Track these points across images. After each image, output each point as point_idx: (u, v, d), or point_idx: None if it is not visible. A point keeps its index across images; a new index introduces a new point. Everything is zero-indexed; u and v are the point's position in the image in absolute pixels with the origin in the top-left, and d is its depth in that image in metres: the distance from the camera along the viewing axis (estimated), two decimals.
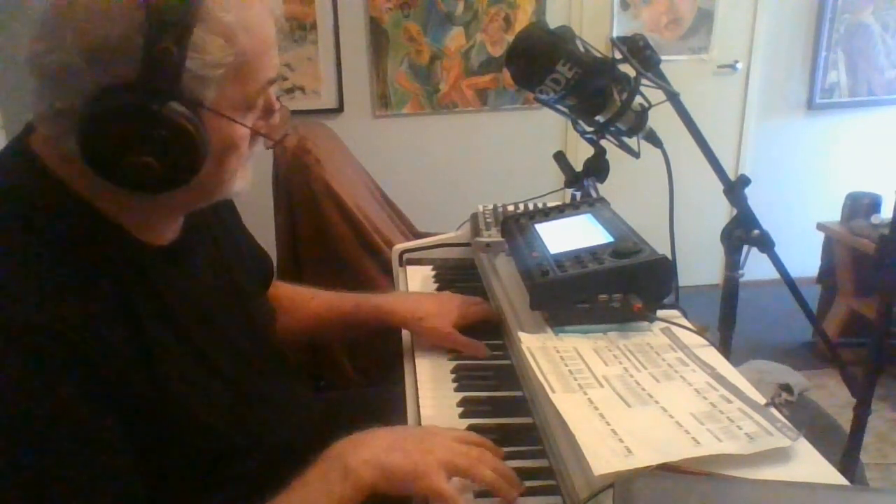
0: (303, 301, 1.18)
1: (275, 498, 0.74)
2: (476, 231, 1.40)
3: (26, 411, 0.61)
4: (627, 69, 1.10)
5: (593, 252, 0.99)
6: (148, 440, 0.69)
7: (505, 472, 0.77)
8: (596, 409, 0.74)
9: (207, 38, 0.65)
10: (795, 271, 1.12)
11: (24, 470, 0.61)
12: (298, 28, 3.09)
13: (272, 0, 0.73)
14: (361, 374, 2.11)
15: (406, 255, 1.52)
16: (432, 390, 1.02)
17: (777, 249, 1.07)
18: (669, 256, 1.00)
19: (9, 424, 0.61)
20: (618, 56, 1.10)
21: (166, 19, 0.63)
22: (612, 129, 1.16)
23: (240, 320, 0.89)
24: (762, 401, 0.75)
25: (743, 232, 1.07)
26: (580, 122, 1.21)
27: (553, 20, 2.97)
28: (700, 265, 2.89)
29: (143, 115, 0.64)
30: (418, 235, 2.38)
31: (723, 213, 2.23)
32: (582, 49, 1.11)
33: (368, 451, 0.77)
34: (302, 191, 2.03)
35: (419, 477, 0.75)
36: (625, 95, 1.11)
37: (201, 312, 0.81)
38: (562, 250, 1.03)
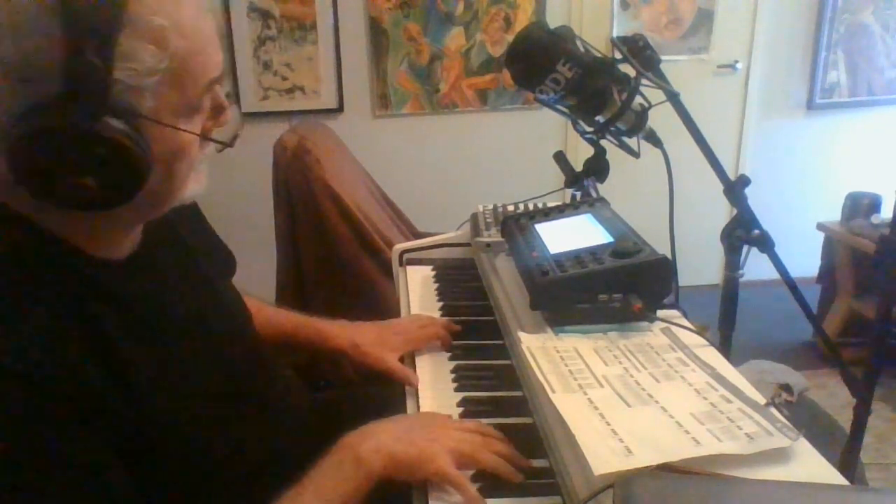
0: (254, 313, 1.13)
1: (289, 490, 0.75)
2: (476, 231, 1.40)
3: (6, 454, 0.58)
4: (627, 69, 1.10)
5: (593, 252, 0.99)
6: (135, 458, 0.68)
7: (508, 455, 0.81)
8: (596, 409, 0.74)
9: (136, 45, 0.61)
10: (795, 271, 1.12)
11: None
12: (298, 28, 3.09)
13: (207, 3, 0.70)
14: (361, 374, 2.11)
15: (406, 255, 1.52)
16: (432, 390, 1.02)
17: (777, 249, 1.07)
18: (669, 256, 1.00)
19: None
20: (618, 56, 1.10)
21: (87, 28, 0.58)
22: (612, 129, 1.16)
23: (214, 315, 0.87)
24: (762, 401, 0.75)
25: (743, 232, 1.07)
26: (580, 122, 1.21)
27: (553, 20, 2.98)
28: (700, 265, 2.89)
29: (73, 134, 0.60)
30: (418, 235, 2.38)
31: (723, 213, 2.23)
32: (582, 49, 1.11)
33: (377, 441, 0.80)
34: (302, 191, 2.03)
35: (425, 462, 0.78)
36: (625, 95, 1.11)
37: (175, 320, 0.78)
38: (562, 250, 1.03)
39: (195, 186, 0.75)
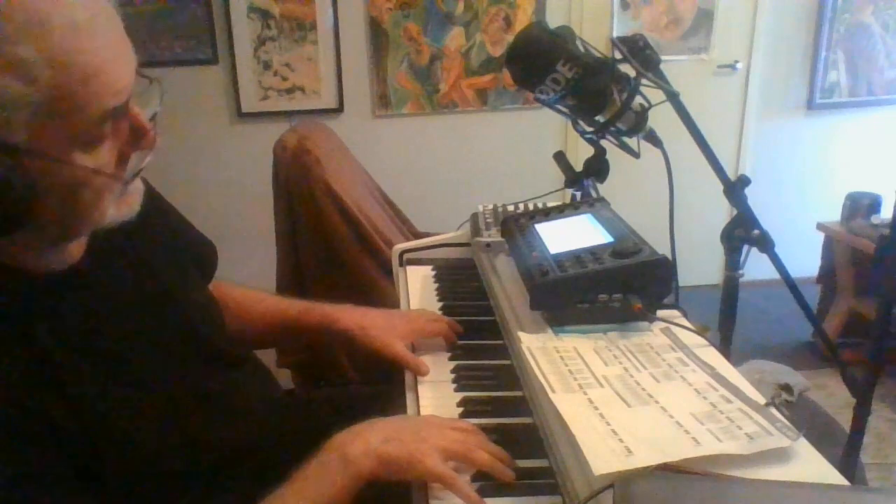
0: (250, 304, 1.15)
1: (275, 491, 0.75)
2: (476, 231, 1.40)
3: None
4: (627, 69, 1.10)
5: (593, 252, 0.99)
6: (91, 472, 0.67)
7: (499, 454, 0.81)
8: (596, 409, 0.74)
9: None
10: (795, 271, 1.12)
11: None
12: (298, 28, 3.09)
13: (105, 10, 0.64)
14: (361, 374, 2.11)
15: (406, 255, 1.52)
16: (432, 390, 1.02)
17: (777, 249, 1.07)
18: (669, 256, 1.00)
19: None
20: (618, 56, 1.10)
21: None
22: (612, 129, 1.16)
23: (171, 323, 0.85)
24: (762, 401, 0.75)
25: (743, 232, 1.07)
26: (580, 122, 1.21)
27: (553, 20, 2.98)
28: (700, 265, 2.89)
29: None
30: (418, 235, 2.38)
31: (723, 213, 2.23)
32: (582, 49, 1.11)
33: (366, 442, 0.79)
34: (302, 191, 2.03)
35: (416, 463, 0.78)
36: (625, 95, 1.11)
37: (118, 327, 0.77)
38: (562, 250, 1.03)
39: (121, 211, 0.72)
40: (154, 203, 0.87)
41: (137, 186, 0.74)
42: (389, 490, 0.81)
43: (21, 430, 0.62)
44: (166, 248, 0.92)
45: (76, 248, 0.76)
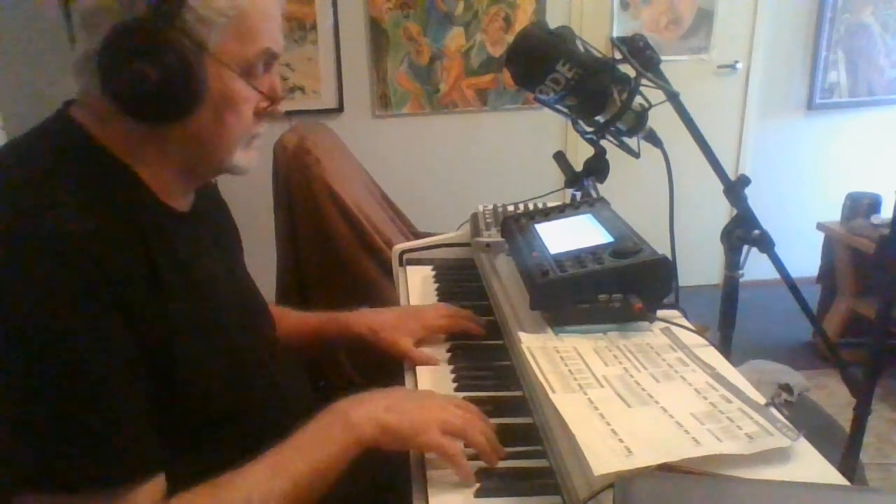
0: (279, 318, 1.16)
1: (276, 446, 0.78)
2: (476, 231, 1.40)
3: (52, 313, 0.65)
4: (627, 69, 1.10)
5: (593, 252, 0.99)
6: (155, 378, 0.72)
7: (492, 440, 0.83)
8: (596, 409, 0.74)
9: None
10: (795, 271, 1.12)
11: (47, 371, 0.65)
12: (298, 28, 3.10)
13: None
14: (361, 374, 2.11)
15: (406, 255, 1.52)
16: (432, 390, 1.02)
17: (777, 249, 1.07)
18: (669, 256, 1.00)
19: (35, 324, 0.64)
20: (618, 56, 1.10)
21: None
22: (612, 129, 1.16)
23: (239, 298, 0.92)
24: (762, 401, 0.75)
25: (743, 232, 1.07)
26: (580, 122, 1.21)
27: (553, 20, 2.98)
28: (700, 265, 2.89)
29: (146, 31, 0.71)
30: (418, 235, 2.38)
31: (723, 213, 2.23)
32: (582, 49, 1.11)
33: (369, 409, 0.83)
34: (302, 191, 2.03)
35: (417, 434, 0.81)
36: (625, 95, 1.11)
37: (208, 276, 0.84)
38: (562, 250, 1.03)
39: (243, 159, 0.84)
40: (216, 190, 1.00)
41: (256, 148, 0.86)
42: (388, 461, 0.84)
43: (120, 307, 0.69)
44: (229, 228, 1.03)
45: (189, 196, 0.87)
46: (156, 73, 0.71)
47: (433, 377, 1.05)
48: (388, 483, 0.92)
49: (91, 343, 0.67)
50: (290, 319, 1.18)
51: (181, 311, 0.76)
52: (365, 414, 0.82)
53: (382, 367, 1.11)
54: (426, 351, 1.09)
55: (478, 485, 0.79)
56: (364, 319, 1.15)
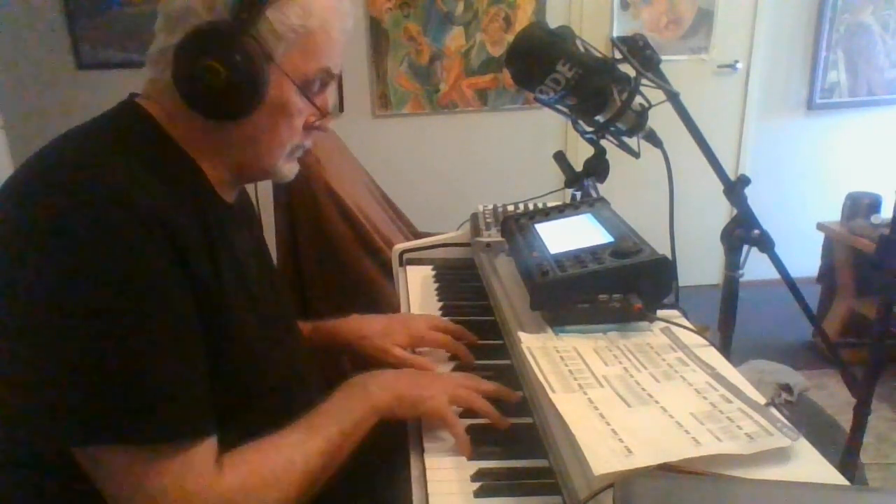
0: None
1: (305, 416, 0.85)
2: (476, 231, 1.40)
3: (133, 278, 0.69)
4: (627, 69, 1.10)
5: (593, 252, 0.99)
6: (208, 347, 0.77)
7: (496, 394, 0.93)
8: (596, 409, 0.74)
9: (289, 3, 0.79)
10: (795, 271, 1.12)
11: (122, 329, 0.69)
12: None
13: (348, 17, 0.85)
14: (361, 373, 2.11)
15: (406, 255, 1.52)
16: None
17: (777, 249, 1.07)
18: (669, 256, 1.00)
19: (117, 287, 0.69)
20: (618, 56, 1.10)
21: None
22: (612, 129, 1.16)
23: (268, 279, 0.98)
24: (762, 401, 0.75)
25: (743, 232, 1.07)
26: (580, 122, 1.21)
27: (553, 20, 2.98)
28: (700, 265, 2.89)
29: (221, 32, 0.76)
30: (418, 235, 2.38)
31: (723, 213, 2.24)
32: (582, 49, 1.11)
33: (383, 380, 0.92)
34: (302, 191, 2.03)
35: (426, 399, 0.89)
36: (625, 95, 1.11)
37: (246, 259, 0.90)
38: (562, 250, 1.03)
39: (287, 167, 0.90)
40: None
41: (297, 159, 0.92)
42: (388, 461, 0.91)
43: (188, 282, 0.74)
44: (254, 216, 1.08)
45: (235, 191, 0.93)
46: (224, 71, 0.76)
47: None
48: (389, 483, 0.92)
49: (160, 302, 0.71)
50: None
51: (231, 290, 0.81)
52: (382, 384, 0.91)
53: (382, 367, 1.11)
54: (419, 359, 1.09)
55: (478, 485, 0.79)
56: (352, 327, 1.16)
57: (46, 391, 0.69)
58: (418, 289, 1.39)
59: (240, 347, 0.82)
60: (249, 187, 1.05)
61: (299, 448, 0.82)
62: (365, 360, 1.12)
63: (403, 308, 1.34)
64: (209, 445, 0.75)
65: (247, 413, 0.83)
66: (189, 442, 0.73)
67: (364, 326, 1.15)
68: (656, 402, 0.75)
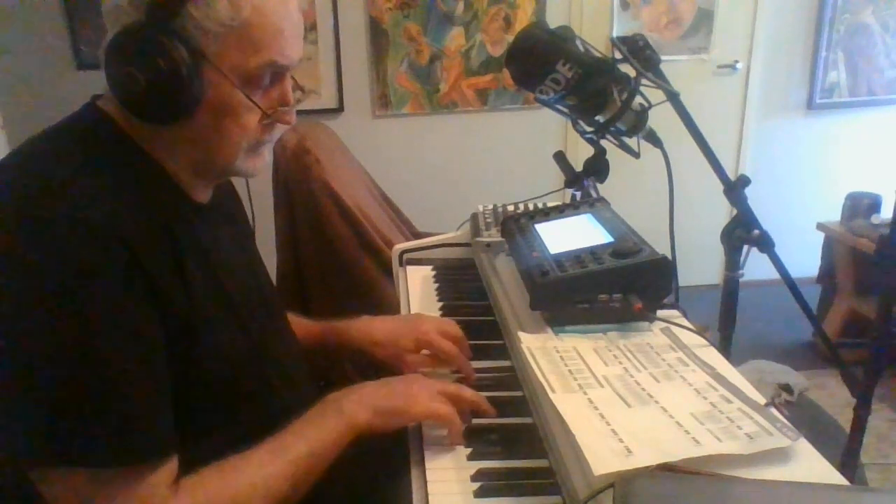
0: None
1: (276, 434, 0.82)
2: (476, 231, 1.40)
3: (83, 294, 0.67)
4: (627, 69, 1.10)
5: (593, 252, 0.99)
6: (177, 362, 0.75)
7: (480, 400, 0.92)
8: (596, 409, 0.74)
9: None
10: (795, 271, 1.12)
11: (74, 350, 0.67)
12: None
13: (289, 3, 0.79)
14: (361, 375, 2.11)
15: (406, 255, 1.52)
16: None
17: (777, 249, 1.07)
18: (669, 256, 1.00)
19: (66, 306, 0.66)
20: (618, 56, 1.10)
21: None
22: (612, 128, 1.16)
23: (253, 284, 0.95)
24: (762, 401, 0.75)
25: (743, 232, 1.07)
26: (580, 122, 1.21)
27: (553, 20, 2.98)
28: (700, 265, 2.89)
29: (142, 36, 0.72)
30: (418, 235, 2.38)
31: (723, 213, 2.23)
32: (582, 49, 1.11)
33: (359, 395, 0.88)
34: (302, 191, 2.03)
35: (409, 407, 0.87)
36: (625, 95, 1.11)
37: (226, 265, 0.87)
38: (562, 250, 1.03)
39: (249, 163, 0.84)
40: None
41: (265, 154, 0.87)
42: (388, 461, 0.89)
43: (143, 287, 0.72)
44: (243, 220, 1.06)
45: (207, 190, 0.90)
46: (144, 76, 0.73)
47: (433, 377, 1.05)
48: (389, 483, 0.92)
49: (120, 323, 0.69)
50: (294, 325, 1.17)
51: (202, 296, 0.79)
52: (356, 400, 0.87)
53: (383, 368, 1.11)
54: (429, 361, 1.08)
55: (478, 485, 0.79)
56: (361, 329, 1.13)
57: (4, 407, 0.68)
58: (418, 289, 1.39)
59: (212, 353, 0.79)
60: (242, 184, 1.04)
61: (262, 471, 0.79)
62: (374, 364, 1.11)
63: (403, 308, 1.34)
64: (166, 469, 0.73)
65: (228, 420, 0.82)
66: (143, 465, 0.71)
67: (375, 331, 1.12)
68: (656, 402, 0.76)
